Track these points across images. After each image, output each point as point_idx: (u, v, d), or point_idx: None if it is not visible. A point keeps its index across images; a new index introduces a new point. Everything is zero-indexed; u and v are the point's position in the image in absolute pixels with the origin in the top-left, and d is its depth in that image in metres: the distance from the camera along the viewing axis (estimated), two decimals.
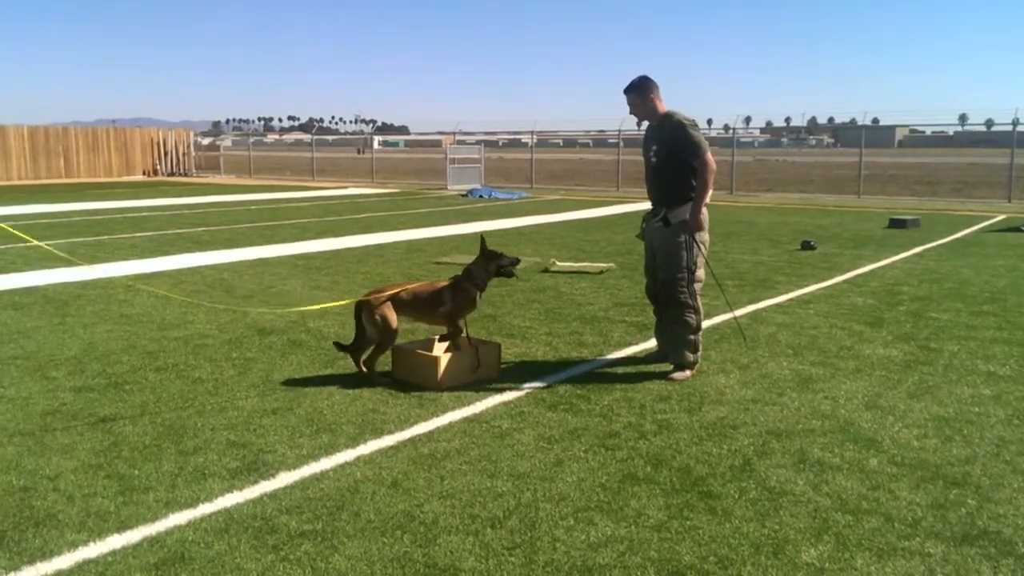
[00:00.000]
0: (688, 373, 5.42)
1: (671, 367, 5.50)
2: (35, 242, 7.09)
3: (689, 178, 5.36)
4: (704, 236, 5.49)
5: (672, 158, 5.39)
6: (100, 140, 35.97)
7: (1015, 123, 24.22)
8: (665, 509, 3.51)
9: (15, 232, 6.35)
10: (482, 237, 5.64)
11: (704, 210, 5.44)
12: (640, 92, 5.48)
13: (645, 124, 5.68)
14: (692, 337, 5.45)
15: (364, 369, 5.34)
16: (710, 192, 5.45)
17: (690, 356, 5.46)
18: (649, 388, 5.20)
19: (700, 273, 5.50)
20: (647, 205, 5.75)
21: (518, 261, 5.63)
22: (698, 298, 5.52)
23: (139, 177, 36.11)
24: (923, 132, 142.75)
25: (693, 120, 5.43)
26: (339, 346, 5.51)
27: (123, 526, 3.34)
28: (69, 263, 9.54)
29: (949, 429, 4.48)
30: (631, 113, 5.60)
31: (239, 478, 3.81)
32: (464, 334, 5.47)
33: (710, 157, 5.35)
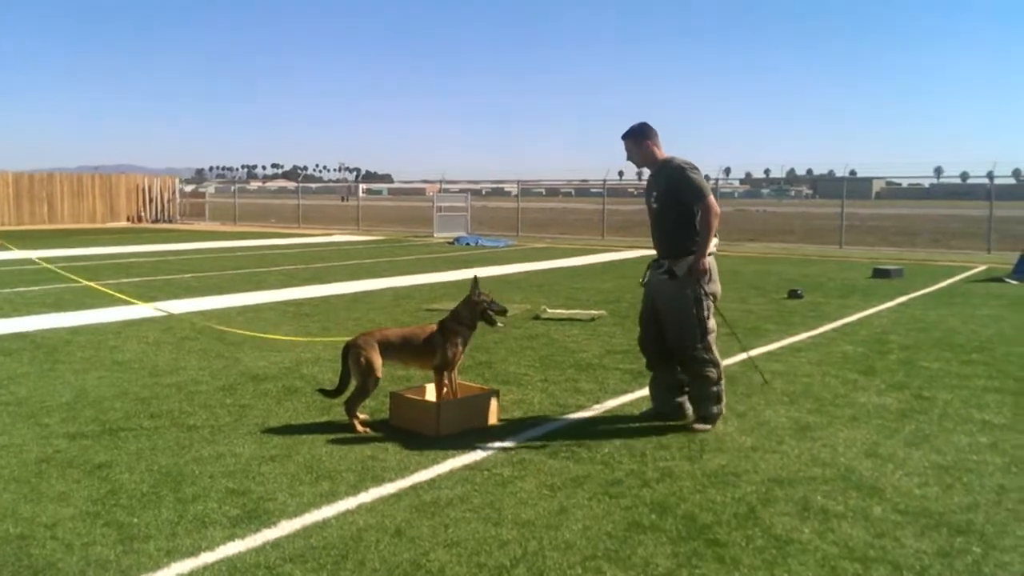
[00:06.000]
0: (710, 426, 5.33)
1: (694, 417, 5.43)
2: (85, 283, 7.01)
3: (692, 224, 5.27)
4: (714, 286, 5.37)
5: (673, 204, 5.31)
6: (85, 186, 35.91)
7: (990, 176, 24.77)
8: (673, 557, 3.50)
9: (65, 274, 6.34)
10: (475, 278, 5.63)
11: (711, 259, 5.34)
12: (636, 138, 5.43)
13: (645, 173, 5.69)
14: (715, 389, 5.37)
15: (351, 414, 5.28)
16: (714, 238, 5.37)
17: (714, 409, 5.38)
18: (649, 436, 5.20)
19: (712, 323, 5.39)
20: (634, 253, 5.78)
21: (505, 311, 5.60)
22: (714, 349, 5.41)
23: (124, 223, 35.99)
24: (900, 184, 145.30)
25: (693, 164, 5.35)
26: (324, 392, 5.48)
27: (124, 575, 3.27)
28: (114, 304, 9.44)
29: (949, 477, 4.50)
30: (628, 159, 5.52)
31: (240, 526, 3.76)
32: (451, 384, 5.44)
33: (713, 201, 5.22)
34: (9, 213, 33.04)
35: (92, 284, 7.09)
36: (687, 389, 5.52)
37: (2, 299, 11.02)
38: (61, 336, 8.37)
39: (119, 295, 6.81)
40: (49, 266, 6.05)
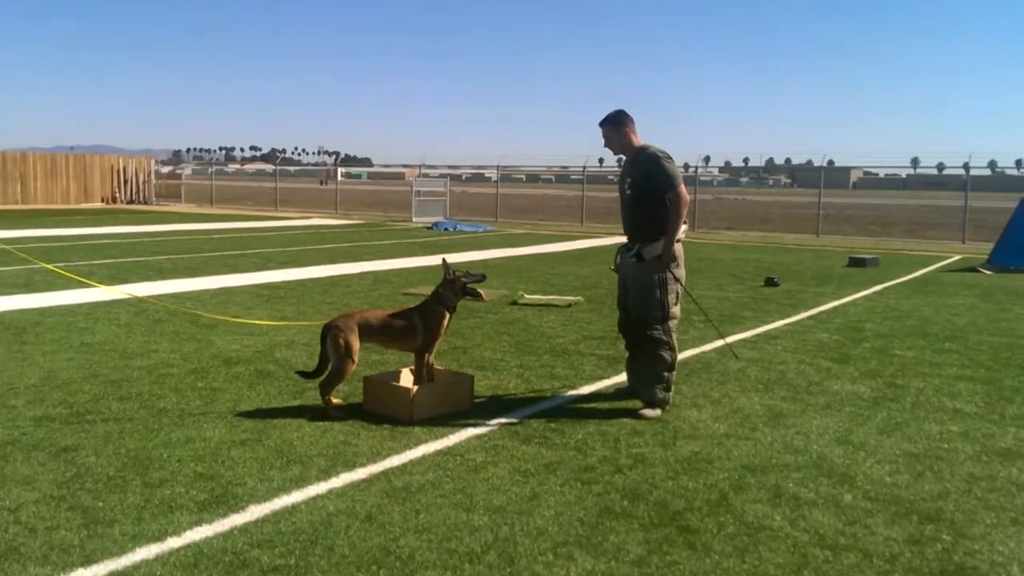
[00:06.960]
0: (658, 412, 5.32)
1: (641, 404, 5.42)
2: (43, 264, 6.88)
3: (663, 212, 5.32)
4: (680, 272, 5.44)
5: (647, 191, 5.38)
6: (59, 166, 35.39)
7: (967, 167, 24.97)
8: (644, 544, 3.48)
9: (21, 255, 6.21)
10: (444, 260, 5.61)
11: (679, 246, 5.43)
12: (615, 125, 5.52)
13: (623, 158, 5.72)
14: (665, 374, 5.38)
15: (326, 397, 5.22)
16: (683, 226, 5.45)
17: (661, 394, 5.37)
18: (623, 422, 5.19)
19: (676, 310, 5.44)
20: (612, 240, 5.80)
21: (484, 277, 5.65)
22: (673, 336, 5.45)
23: (98, 204, 35.52)
24: (876, 174, 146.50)
25: (667, 153, 5.42)
26: (303, 374, 5.44)
27: (88, 560, 3.22)
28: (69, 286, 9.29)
29: (920, 465, 4.52)
30: (606, 146, 5.60)
31: (208, 511, 3.70)
32: (426, 368, 5.40)
33: (683, 190, 5.32)
34: None
35: (48, 266, 6.95)
36: None
37: None
38: (30, 317, 8.23)
39: (76, 277, 6.69)
40: (6, 247, 5.92)
